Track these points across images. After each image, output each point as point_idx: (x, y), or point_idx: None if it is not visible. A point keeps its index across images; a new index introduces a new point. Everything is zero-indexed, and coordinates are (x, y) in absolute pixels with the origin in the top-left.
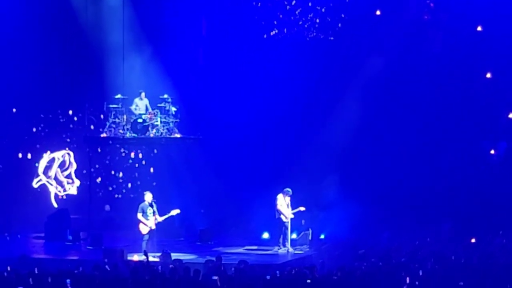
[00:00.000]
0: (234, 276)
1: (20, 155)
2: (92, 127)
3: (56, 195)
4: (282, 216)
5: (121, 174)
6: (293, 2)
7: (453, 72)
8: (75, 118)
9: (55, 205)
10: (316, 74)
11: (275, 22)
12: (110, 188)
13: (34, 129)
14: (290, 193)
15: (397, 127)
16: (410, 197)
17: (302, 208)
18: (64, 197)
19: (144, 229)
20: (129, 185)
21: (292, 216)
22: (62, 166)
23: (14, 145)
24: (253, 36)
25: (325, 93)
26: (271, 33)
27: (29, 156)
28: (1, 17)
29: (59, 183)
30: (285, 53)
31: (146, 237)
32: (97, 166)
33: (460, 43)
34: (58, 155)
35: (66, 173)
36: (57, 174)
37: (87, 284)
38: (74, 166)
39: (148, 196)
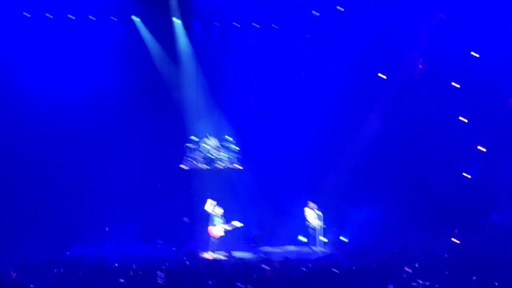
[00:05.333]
0: (279, 267)
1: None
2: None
3: None
4: (310, 225)
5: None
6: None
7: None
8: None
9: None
10: (339, 108)
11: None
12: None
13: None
14: (311, 204)
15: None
16: (411, 205)
17: (323, 226)
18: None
19: (213, 235)
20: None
21: (318, 226)
22: None
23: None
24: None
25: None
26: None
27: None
28: (116, 83)
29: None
30: (312, 92)
31: (214, 240)
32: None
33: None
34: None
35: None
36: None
37: (172, 274)
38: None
39: (217, 210)
